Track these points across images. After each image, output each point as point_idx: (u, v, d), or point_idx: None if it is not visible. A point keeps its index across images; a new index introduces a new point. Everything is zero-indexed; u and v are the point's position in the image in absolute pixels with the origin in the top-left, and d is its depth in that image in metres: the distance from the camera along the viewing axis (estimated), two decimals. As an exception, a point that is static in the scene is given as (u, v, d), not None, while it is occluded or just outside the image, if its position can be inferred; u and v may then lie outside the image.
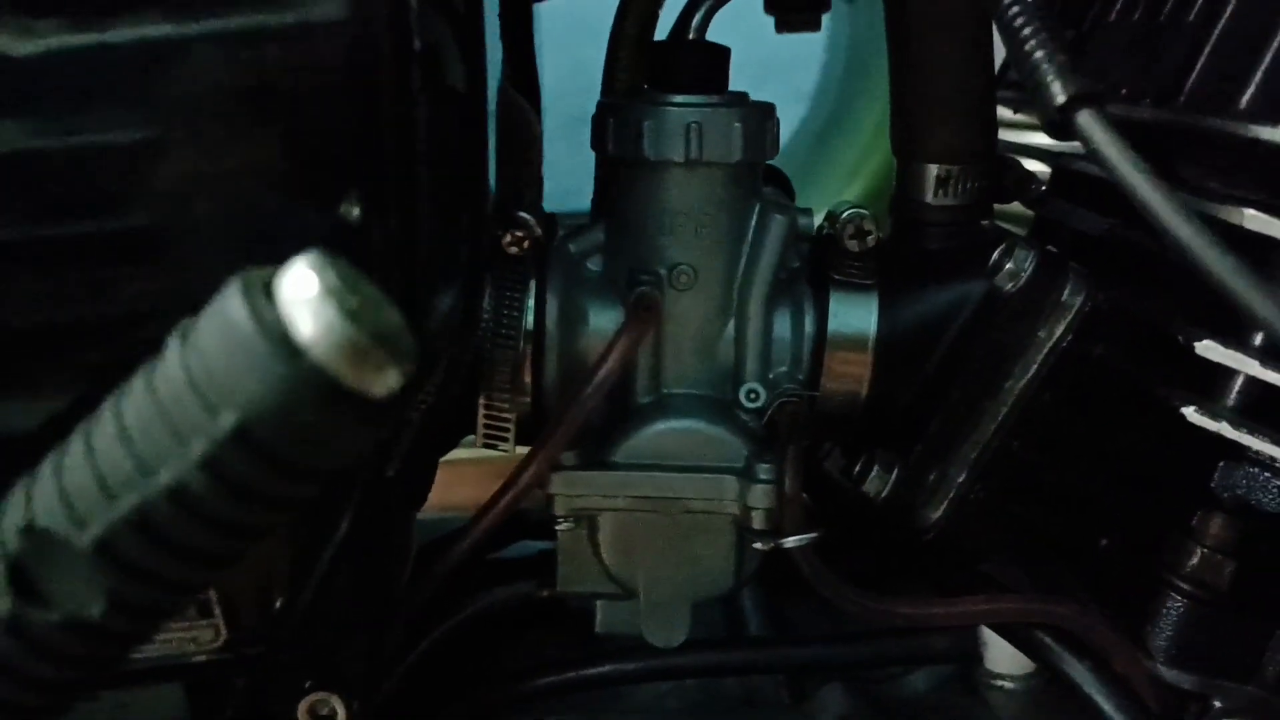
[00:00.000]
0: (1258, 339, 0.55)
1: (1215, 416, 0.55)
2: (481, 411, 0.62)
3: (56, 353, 0.45)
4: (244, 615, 0.50)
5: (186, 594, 0.34)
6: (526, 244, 0.61)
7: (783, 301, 0.64)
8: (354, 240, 0.44)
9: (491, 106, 0.58)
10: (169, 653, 0.50)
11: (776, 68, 0.97)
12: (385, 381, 0.30)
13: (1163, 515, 0.60)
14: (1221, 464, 0.56)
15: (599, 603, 0.66)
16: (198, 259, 0.44)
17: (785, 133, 0.65)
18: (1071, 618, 0.61)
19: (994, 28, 0.50)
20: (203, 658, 0.51)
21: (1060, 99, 0.45)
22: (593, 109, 0.64)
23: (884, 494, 0.64)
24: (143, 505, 0.31)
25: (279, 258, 0.30)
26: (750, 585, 0.75)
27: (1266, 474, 0.55)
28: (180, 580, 0.33)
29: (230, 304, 0.30)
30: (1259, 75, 0.55)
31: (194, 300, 0.31)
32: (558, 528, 0.63)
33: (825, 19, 0.72)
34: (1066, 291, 0.62)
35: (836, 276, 0.63)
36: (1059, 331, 0.62)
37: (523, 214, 0.61)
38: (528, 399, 0.63)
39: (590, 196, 0.69)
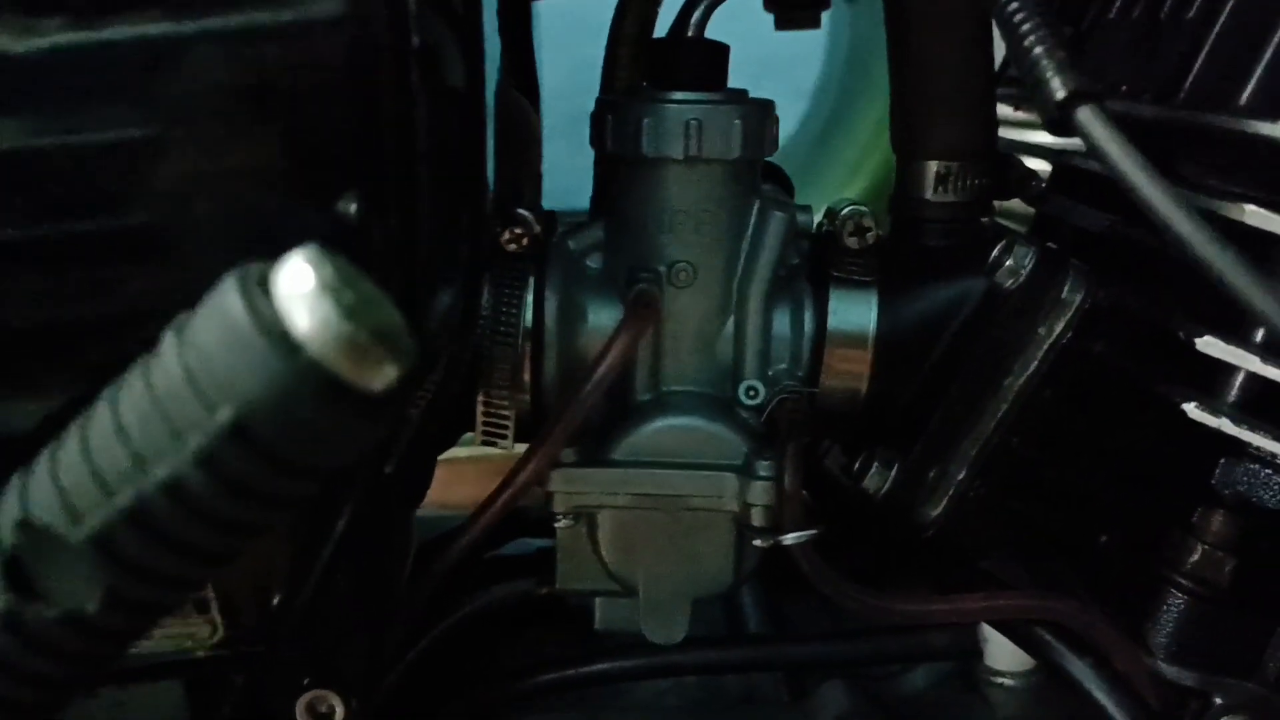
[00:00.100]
0: (1258, 335, 0.55)
1: (1216, 413, 0.55)
2: (480, 409, 0.62)
3: (56, 352, 0.44)
4: (242, 612, 0.50)
5: (184, 590, 0.34)
6: (525, 241, 0.61)
7: (782, 299, 0.64)
8: (353, 238, 0.44)
9: (491, 104, 0.58)
10: (166, 649, 0.50)
11: (776, 66, 0.97)
12: (383, 377, 0.30)
13: (1163, 512, 0.60)
14: (1222, 460, 0.56)
15: (598, 600, 0.66)
16: (196, 258, 0.44)
17: (785, 131, 0.65)
18: (1072, 614, 0.61)
19: (993, 24, 0.50)
20: (200, 655, 0.51)
21: (1060, 95, 0.45)
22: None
23: (884, 491, 0.64)
24: (139, 500, 0.31)
25: (278, 256, 0.30)
26: (750, 582, 0.75)
27: (1267, 470, 0.55)
28: (177, 576, 0.32)
29: (226, 299, 0.30)
30: (1259, 72, 0.55)
31: (192, 299, 0.31)
32: (557, 525, 0.63)
33: (825, 17, 0.72)
34: (1066, 288, 0.62)
35: (836, 274, 0.63)
36: (1059, 328, 0.62)
37: (522, 211, 0.61)
38: (527, 396, 0.63)
39: (590, 196, 0.69)
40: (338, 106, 0.44)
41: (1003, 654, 0.71)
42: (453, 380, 0.56)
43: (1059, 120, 0.46)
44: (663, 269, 0.62)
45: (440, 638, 0.67)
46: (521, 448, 0.61)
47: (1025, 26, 0.46)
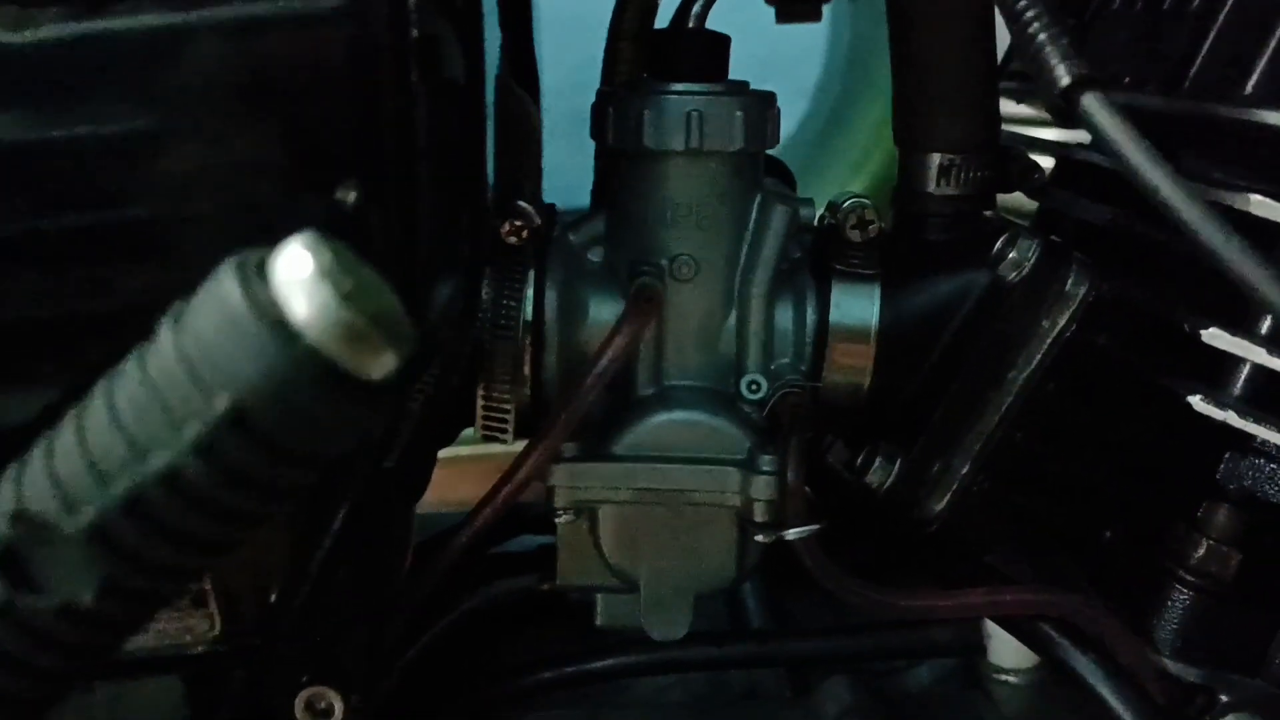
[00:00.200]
0: (1264, 326, 0.55)
1: (1221, 405, 0.55)
2: (480, 403, 0.62)
3: (55, 345, 0.44)
4: (240, 607, 0.50)
5: (181, 580, 0.34)
6: (525, 234, 0.60)
7: (784, 292, 0.64)
8: (353, 231, 0.44)
9: (490, 98, 0.58)
10: (164, 644, 0.50)
11: (778, 64, 0.96)
12: (382, 364, 0.30)
13: (1168, 506, 0.59)
14: (1227, 455, 0.55)
15: (599, 596, 0.66)
16: (195, 250, 0.44)
17: (787, 129, 0.65)
18: (1076, 610, 0.61)
19: (997, 15, 0.50)
20: (198, 649, 0.51)
21: (1064, 82, 0.45)
22: (593, 106, 0.64)
23: (887, 485, 0.64)
24: (135, 489, 0.30)
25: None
26: (752, 578, 0.75)
27: (1273, 465, 0.55)
28: (175, 566, 0.32)
29: (224, 285, 0.29)
30: (1263, 62, 0.55)
31: (191, 292, 0.31)
32: (558, 520, 0.63)
33: (826, 11, 0.72)
34: (1070, 281, 0.61)
35: (839, 267, 0.63)
36: (1062, 321, 0.62)
37: (522, 204, 0.60)
38: (527, 390, 0.63)
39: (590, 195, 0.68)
40: (338, 99, 0.43)
41: (1006, 650, 0.70)
42: (452, 374, 0.56)
43: (1063, 108, 0.45)
44: (664, 262, 0.62)
45: (441, 634, 0.67)
46: (521, 443, 0.61)
47: (1029, 14, 0.46)
